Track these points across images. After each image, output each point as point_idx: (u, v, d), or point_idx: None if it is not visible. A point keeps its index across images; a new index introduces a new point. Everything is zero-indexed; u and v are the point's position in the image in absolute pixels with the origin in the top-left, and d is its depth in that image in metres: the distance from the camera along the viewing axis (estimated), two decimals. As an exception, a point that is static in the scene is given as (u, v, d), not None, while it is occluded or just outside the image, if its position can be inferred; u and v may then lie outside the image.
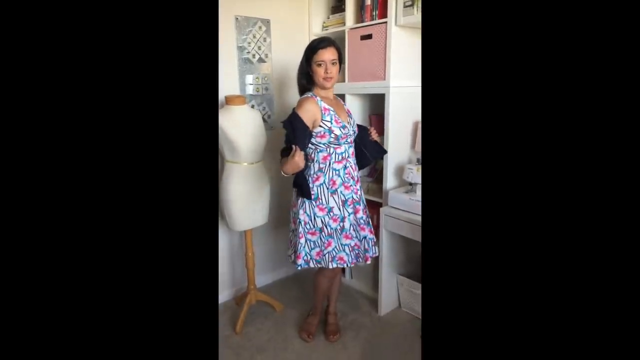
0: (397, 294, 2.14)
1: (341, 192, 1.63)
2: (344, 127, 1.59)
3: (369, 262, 1.76)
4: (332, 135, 1.56)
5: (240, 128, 1.80)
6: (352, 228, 1.69)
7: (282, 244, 2.39)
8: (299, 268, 1.68)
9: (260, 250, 2.32)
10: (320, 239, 1.66)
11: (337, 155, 1.61)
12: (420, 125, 1.99)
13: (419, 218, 1.74)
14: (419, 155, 1.99)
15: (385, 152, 1.88)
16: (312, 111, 1.53)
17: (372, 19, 1.94)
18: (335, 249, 1.67)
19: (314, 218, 1.63)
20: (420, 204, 1.76)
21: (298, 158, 1.48)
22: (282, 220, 2.36)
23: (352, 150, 1.67)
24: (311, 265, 1.69)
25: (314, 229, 1.65)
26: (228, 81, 2.05)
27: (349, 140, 1.63)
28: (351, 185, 1.66)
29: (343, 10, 2.10)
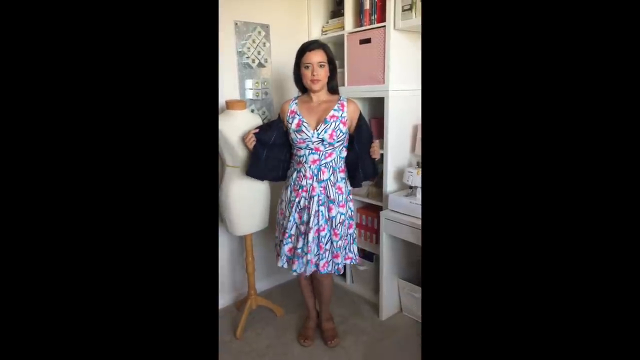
0: (398, 298, 2.13)
1: (291, 191, 1.67)
2: (299, 131, 1.58)
3: (314, 272, 1.70)
4: (290, 137, 1.65)
5: (241, 133, 1.80)
6: (292, 230, 1.67)
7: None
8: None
9: (261, 254, 2.31)
10: (278, 222, 1.79)
11: (297, 157, 1.66)
12: (420, 129, 1.99)
13: (420, 221, 1.73)
14: (419, 159, 1.98)
15: (376, 174, 1.74)
16: (282, 111, 1.69)
17: (371, 23, 1.94)
18: (279, 240, 1.74)
19: (280, 202, 1.76)
20: (420, 207, 1.75)
21: (248, 134, 1.67)
22: (282, 224, 2.35)
23: (314, 157, 1.59)
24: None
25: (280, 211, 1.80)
26: (228, 86, 2.05)
27: (310, 146, 1.58)
28: (298, 190, 1.63)
29: (342, 14, 2.11)
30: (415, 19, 1.72)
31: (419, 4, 1.70)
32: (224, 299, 2.25)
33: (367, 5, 1.95)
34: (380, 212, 1.96)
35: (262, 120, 2.08)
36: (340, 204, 1.65)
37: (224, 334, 1.99)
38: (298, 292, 2.39)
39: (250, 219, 1.92)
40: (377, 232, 2.11)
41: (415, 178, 1.82)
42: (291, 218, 1.66)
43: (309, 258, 1.64)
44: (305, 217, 1.64)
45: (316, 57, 1.54)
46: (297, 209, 1.65)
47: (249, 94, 2.14)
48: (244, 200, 1.86)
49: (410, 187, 1.91)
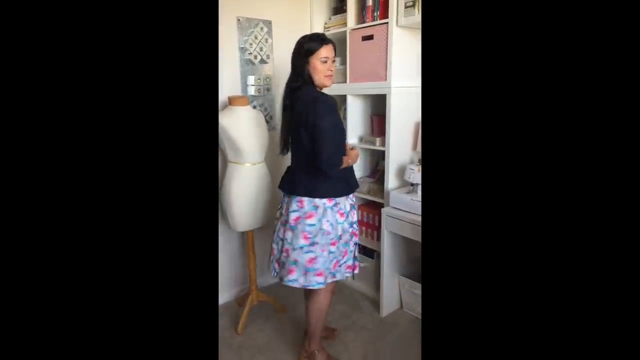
0: (399, 294, 2.14)
1: (336, 203, 1.52)
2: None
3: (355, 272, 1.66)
4: None
5: (243, 128, 1.81)
6: (349, 243, 1.58)
7: (284, 245, 2.39)
8: (319, 286, 1.48)
9: (262, 250, 2.32)
10: (339, 247, 1.50)
11: None
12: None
13: (421, 218, 1.74)
14: (421, 156, 1.98)
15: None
16: None
17: (374, 20, 1.94)
18: (348, 257, 1.57)
19: (336, 225, 1.47)
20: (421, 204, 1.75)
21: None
22: (283, 221, 2.35)
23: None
24: (328, 280, 1.50)
25: (335, 239, 1.47)
26: (230, 82, 2.05)
27: None
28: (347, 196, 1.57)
29: (344, 11, 2.10)
30: (418, 16, 1.72)
31: (421, 1, 1.70)
32: (225, 295, 2.26)
33: (369, 2, 1.94)
34: (382, 209, 1.96)
35: (265, 117, 2.08)
36: None
37: (225, 329, 2.00)
38: (299, 288, 2.39)
39: (252, 214, 1.92)
40: (378, 229, 2.11)
41: (416, 175, 1.82)
42: (346, 233, 1.52)
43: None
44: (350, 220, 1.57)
45: (331, 52, 1.44)
46: (347, 217, 1.54)
47: (251, 90, 2.14)
48: (245, 196, 1.87)
49: (412, 184, 1.91)
